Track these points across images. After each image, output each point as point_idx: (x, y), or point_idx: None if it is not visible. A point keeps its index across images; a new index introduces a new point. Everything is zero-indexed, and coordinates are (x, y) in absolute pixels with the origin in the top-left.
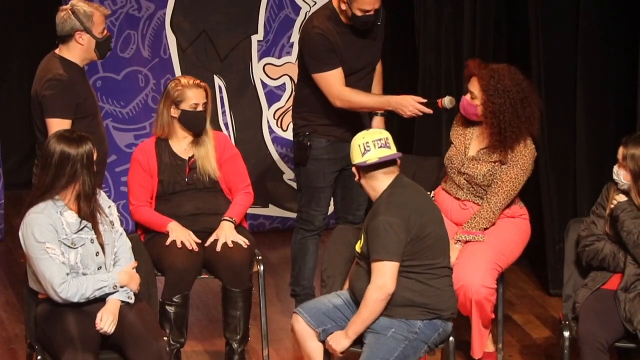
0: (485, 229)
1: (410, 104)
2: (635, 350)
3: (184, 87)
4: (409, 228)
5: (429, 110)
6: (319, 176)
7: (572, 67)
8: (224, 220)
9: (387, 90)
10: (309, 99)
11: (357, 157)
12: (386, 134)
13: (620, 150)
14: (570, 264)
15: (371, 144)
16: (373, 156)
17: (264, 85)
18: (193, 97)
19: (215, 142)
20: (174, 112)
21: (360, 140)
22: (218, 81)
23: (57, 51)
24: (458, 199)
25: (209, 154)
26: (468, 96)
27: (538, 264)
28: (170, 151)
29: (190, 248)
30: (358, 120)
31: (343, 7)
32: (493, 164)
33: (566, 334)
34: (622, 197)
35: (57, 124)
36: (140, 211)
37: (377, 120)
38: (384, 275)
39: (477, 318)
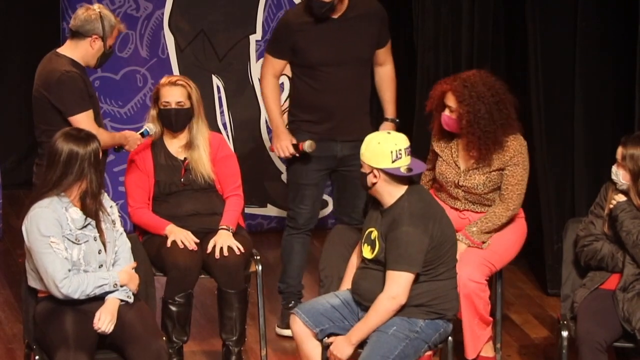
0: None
1: (282, 147)
2: (633, 350)
3: (160, 86)
4: (431, 237)
5: (295, 153)
6: (302, 173)
7: (571, 67)
8: (221, 229)
9: None
10: (294, 94)
11: (386, 162)
12: (408, 142)
13: (619, 151)
14: (569, 263)
15: (403, 152)
16: (403, 164)
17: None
18: (165, 95)
19: (211, 142)
20: (156, 111)
21: (392, 146)
22: (216, 81)
23: (59, 50)
24: (456, 209)
25: (202, 158)
26: (447, 111)
27: (536, 264)
28: (166, 152)
29: (191, 248)
30: (341, 119)
31: None
32: (489, 173)
33: (564, 333)
34: (621, 197)
35: (82, 119)
36: (139, 214)
37: (387, 126)
38: (399, 286)
39: (467, 314)
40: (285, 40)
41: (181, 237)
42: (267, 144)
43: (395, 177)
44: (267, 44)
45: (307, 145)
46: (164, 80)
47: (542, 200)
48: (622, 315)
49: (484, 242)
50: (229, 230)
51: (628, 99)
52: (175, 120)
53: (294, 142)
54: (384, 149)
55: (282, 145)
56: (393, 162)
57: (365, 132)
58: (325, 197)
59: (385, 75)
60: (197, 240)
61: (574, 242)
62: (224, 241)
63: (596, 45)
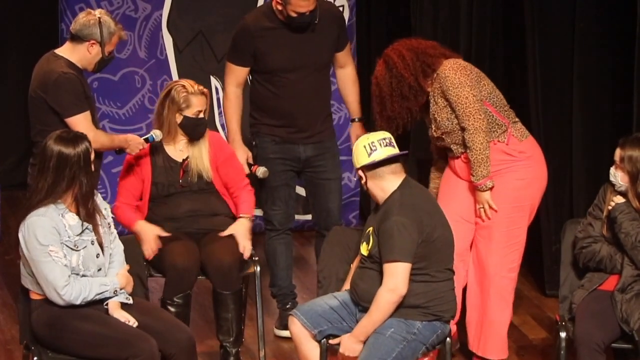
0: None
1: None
2: (631, 350)
3: (189, 94)
4: (421, 229)
5: (247, 171)
6: (270, 175)
7: (569, 68)
8: (242, 217)
9: None
10: (253, 96)
11: (363, 159)
12: (389, 135)
13: (618, 152)
14: (567, 264)
15: (377, 143)
16: (380, 154)
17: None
18: (198, 105)
19: (210, 142)
20: (178, 118)
21: (364, 141)
22: (214, 82)
23: (57, 51)
24: (458, 157)
25: (203, 155)
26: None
27: (534, 265)
28: (164, 154)
29: (147, 255)
30: (302, 123)
31: (279, 7)
32: (441, 108)
33: (563, 334)
34: (619, 199)
35: (80, 120)
36: (120, 209)
37: (355, 126)
38: (397, 277)
39: (499, 314)
40: (245, 46)
41: (150, 237)
42: None
43: (377, 169)
44: (228, 52)
45: (261, 172)
46: (189, 87)
47: (541, 201)
48: (620, 316)
49: (488, 180)
50: (248, 218)
51: (626, 100)
52: (203, 129)
53: (250, 161)
54: (358, 147)
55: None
56: (369, 155)
57: (328, 134)
58: None
59: (347, 77)
60: (165, 234)
61: (573, 244)
62: (243, 234)
63: (594, 46)
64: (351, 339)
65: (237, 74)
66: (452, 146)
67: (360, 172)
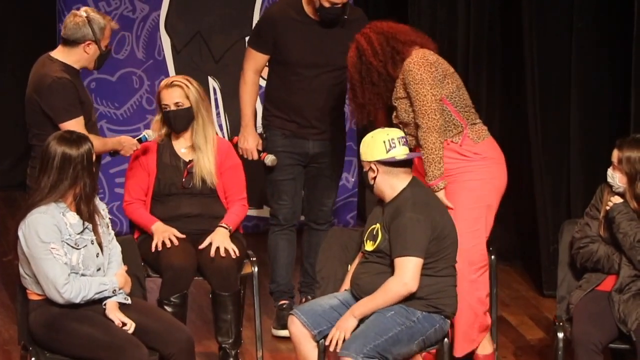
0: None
1: (248, 151)
2: (629, 351)
3: (160, 89)
4: (435, 226)
5: (256, 157)
6: (277, 169)
7: (566, 68)
8: (220, 226)
9: None
10: (268, 89)
11: (380, 153)
12: (403, 133)
13: (615, 153)
14: (565, 265)
15: (396, 141)
16: (399, 153)
17: (259, 86)
18: (164, 98)
19: (218, 149)
20: (160, 115)
21: (384, 136)
22: (212, 83)
23: (52, 54)
24: (416, 148)
25: (208, 164)
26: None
27: (532, 265)
28: (172, 151)
29: (176, 244)
30: (313, 120)
31: None
32: (403, 98)
33: (560, 335)
34: (617, 199)
35: (72, 125)
36: (131, 209)
37: None
38: (409, 272)
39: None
40: (268, 34)
41: (164, 236)
42: None
43: (393, 167)
44: (250, 37)
45: (269, 160)
46: (163, 82)
47: (538, 201)
48: (617, 316)
49: (440, 181)
50: (227, 229)
51: (624, 100)
52: (174, 122)
53: (260, 148)
54: (376, 140)
55: (248, 150)
56: (387, 152)
57: (338, 132)
58: None
59: None
60: (182, 236)
61: (570, 244)
62: (220, 241)
63: (592, 47)
64: (347, 315)
65: (257, 60)
66: (407, 137)
67: (373, 166)
